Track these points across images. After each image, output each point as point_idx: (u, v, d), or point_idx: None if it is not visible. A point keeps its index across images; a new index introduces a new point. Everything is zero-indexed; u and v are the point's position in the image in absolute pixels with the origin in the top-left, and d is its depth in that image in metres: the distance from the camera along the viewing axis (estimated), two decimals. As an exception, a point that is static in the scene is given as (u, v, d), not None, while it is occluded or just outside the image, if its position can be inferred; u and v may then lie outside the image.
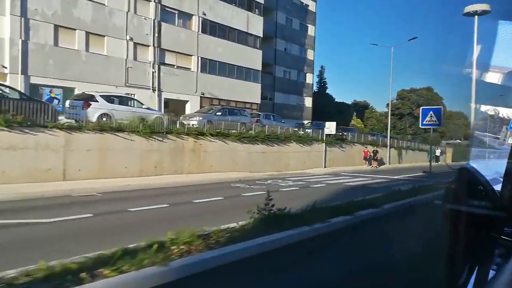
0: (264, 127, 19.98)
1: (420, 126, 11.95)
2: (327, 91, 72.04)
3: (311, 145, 21.29)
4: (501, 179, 1.80)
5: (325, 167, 22.16)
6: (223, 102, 27.18)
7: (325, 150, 22.23)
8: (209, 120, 16.83)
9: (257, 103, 30.18)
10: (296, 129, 23.06)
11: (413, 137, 60.20)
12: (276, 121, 22.02)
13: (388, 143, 28.59)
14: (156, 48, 22.44)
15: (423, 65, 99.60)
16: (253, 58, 29.33)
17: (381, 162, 26.07)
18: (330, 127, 21.69)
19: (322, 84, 74.94)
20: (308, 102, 42.08)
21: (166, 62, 23.25)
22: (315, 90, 75.63)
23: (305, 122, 40.95)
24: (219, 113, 17.47)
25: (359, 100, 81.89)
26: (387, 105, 68.33)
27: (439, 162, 32.93)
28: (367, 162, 23.29)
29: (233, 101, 27.93)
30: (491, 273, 1.49)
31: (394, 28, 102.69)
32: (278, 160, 18.94)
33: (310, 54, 41.55)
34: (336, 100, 73.59)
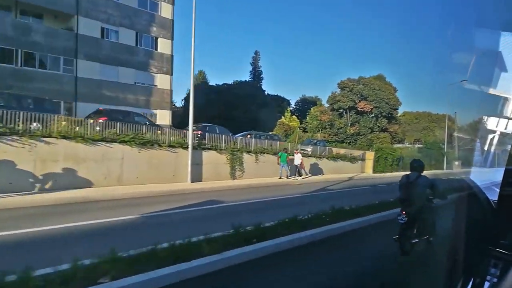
0: None
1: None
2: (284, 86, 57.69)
3: None
4: (497, 189, 1.76)
5: None
6: None
7: None
8: None
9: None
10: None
11: (351, 139, 46.40)
12: None
13: (190, 145, 14.53)
14: None
15: (376, 51, 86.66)
16: None
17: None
18: None
19: (256, 74, 61.29)
20: (164, 82, 28.12)
21: None
22: (248, 80, 61.87)
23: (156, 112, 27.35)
24: None
25: (309, 96, 68.64)
26: (329, 97, 54.55)
27: (301, 177, 18.68)
28: None
29: None
30: (487, 284, 1.56)
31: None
32: None
33: (165, 11, 27.72)
34: (269, 94, 59.83)
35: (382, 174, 26.47)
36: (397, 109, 49.00)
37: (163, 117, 27.67)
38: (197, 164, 15.38)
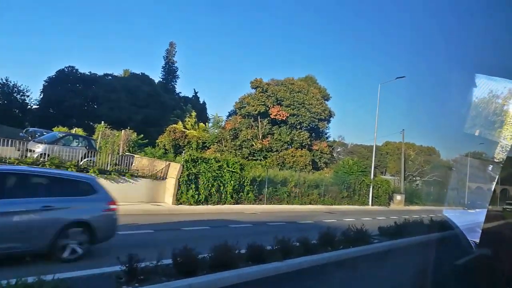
0: None
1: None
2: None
3: None
4: (479, 230, 2.51)
5: None
6: None
7: None
8: None
9: None
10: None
11: (260, 156, 33.83)
12: None
13: None
14: None
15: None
16: None
17: None
18: None
19: (168, 69, 49.24)
20: None
21: None
22: (159, 81, 49.55)
23: None
24: None
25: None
26: (240, 101, 42.16)
27: None
28: None
29: None
30: None
31: None
32: None
33: None
34: (177, 94, 47.62)
35: (194, 208, 13.76)
36: (327, 121, 36.94)
37: None
38: None
